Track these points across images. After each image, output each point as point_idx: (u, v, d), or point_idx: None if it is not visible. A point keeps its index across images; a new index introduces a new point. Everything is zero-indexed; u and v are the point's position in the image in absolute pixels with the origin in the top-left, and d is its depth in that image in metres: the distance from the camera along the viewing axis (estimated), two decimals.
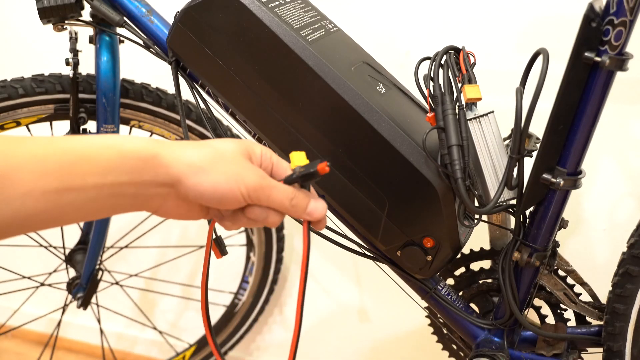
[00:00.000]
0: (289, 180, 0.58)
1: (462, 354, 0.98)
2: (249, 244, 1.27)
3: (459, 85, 0.75)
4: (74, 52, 0.99)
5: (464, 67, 0.76)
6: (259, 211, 0.57)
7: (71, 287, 1.19)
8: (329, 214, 0.87)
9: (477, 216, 0.84)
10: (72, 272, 1.20)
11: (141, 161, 0.51)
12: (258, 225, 0.59)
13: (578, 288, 0.88)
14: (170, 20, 0.84)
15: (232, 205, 0.55)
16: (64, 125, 1.01)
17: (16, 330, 1.57)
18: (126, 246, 1.36)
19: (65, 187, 0.47)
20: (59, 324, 1.39)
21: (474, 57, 0.77)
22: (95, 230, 1.12)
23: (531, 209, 0.80)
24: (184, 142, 0.55)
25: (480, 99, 0.74)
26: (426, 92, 0.75)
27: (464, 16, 1.13)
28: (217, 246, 1.03)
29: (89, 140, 0.50)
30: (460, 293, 0.93)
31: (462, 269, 0.94)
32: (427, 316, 0.99)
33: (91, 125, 1.03)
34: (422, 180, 0.75)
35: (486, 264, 0.94)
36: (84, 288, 1.18)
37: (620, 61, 0.70)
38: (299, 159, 0.59)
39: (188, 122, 1.07)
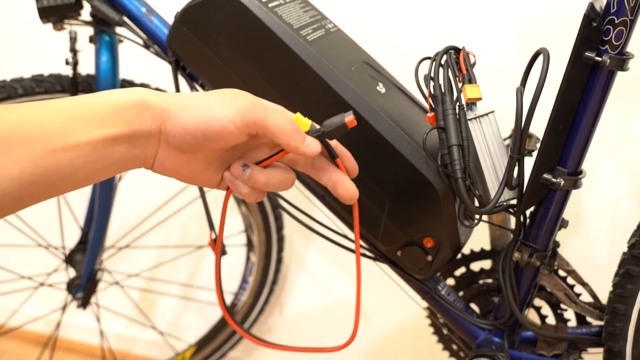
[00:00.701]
0: (315, 133, 0.56)
1: (462, 354, 0.98)
2: (249, 244, 1.27)
3: (459, 85, 0.75)
4: (74, 51, 0.99)
5: (464, 67, 0.76)
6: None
7: (71, 287, 1.19)
8: (330, 214, 0.87)
9: (477, 216, 0.84)
10: (72, 272, 1.20)
11: (129, 110, 0.51)
12: (278, 185, 0.58)
13: (578, 288, 0.88)
14: (170, 20, 0.84)
15: (223, 138, 0.53)
16: None
17: (16, 331, 1.57)
18: (126, 246, 1.36)
19: (61, 147, 0.48)
20: (58, 324, 1.39)
21: (474, 57, 0.77)
22: (95, 230, 1.12)
23: (531, 209, 0.80)
24: (173, 93, 0.55)
25: (480, 98, 0.74)
26: (426, 92, 0.75)
27: (464, 16, 1.13)
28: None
29: (78, 99, 0.51)
30: (461, 293, 0.93)
31: (463, 269, 0.94)
32: (427, 316, 0.98)
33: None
34: (422, 180, 0.75)
35: (486, 264, 0.94)
36: (83, 288, 1.18)
37: (621, 61, 0.70)
38: (301, 123, 0.56)
39: None
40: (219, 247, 0.61)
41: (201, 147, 0.53)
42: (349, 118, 0.56)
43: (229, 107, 0.52)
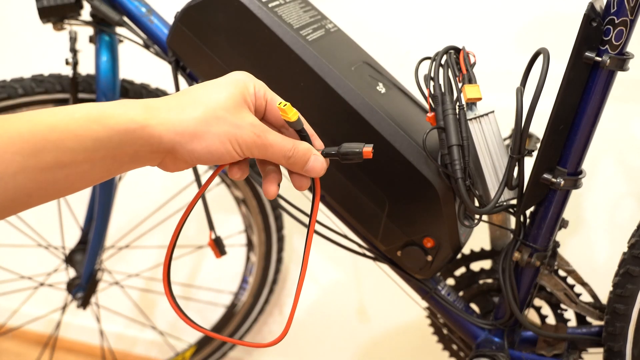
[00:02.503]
0: (329, 153, 0.57)
1: (462, 354, 0.98)
2: (249, 244, 1.27)
3: (459, 85, 0.75)
4: (74, 51, 0.99)
5: (464, 67, 0.76)
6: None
7: (71, 287, 1.19)
8: (330, 214, 0.87)
9: (477, 216, 0.84)
10: (72, 272, 1.20)
11: (130, 133, 0.50)
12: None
13: (578, 288, 0.88)
14: (170, 20, 0.84)
15: (230, 161, 0.55)
16: None
17: (16, 330, 1.57)
18: (126, 246, 1.36)
19: (57, 164, 0.47)
20: (58, 324, 1.39)
21: (474, 56, 0.77)
22: (95, 230, 1.12)
23: (531, 209, 0.80)
24: (171, 102, 0.53)
25: (480, 98, 0.74)
26: (426, 92, 0.75)
27: (464, 16, 1.13)
28: (217, 246, 1.03)
29: (72, 114, 0.49)
30: (461, 293, 0.93)
31: (463, 269, 0.94)
32: (427, 316, 0.98)
33: None
34: (422, 180, 0.75)
35: (486, 264, 0.94)
36: (83, 288, 1.18)
37: (621, 61, 0.70)
38: (291, 112, 0.56)
39: None
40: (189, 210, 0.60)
41: (209, 164, 0.55)
42: (367, 149, 0.57)
43: (234, 139, 0.53)
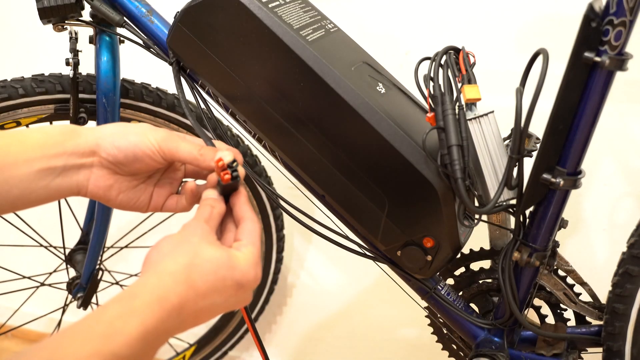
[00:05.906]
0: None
1: (462, 354, 0.98)
2: None
3: (459, 85, 0.75)
4: (74, 52, 0.99)
5: (463, 67, 0.76)
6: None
7: (71, 287, 1.19)
8: (330, 214, 0.87)
9: (477, 216, 0.84)
10: (72, 272, 1.20)
11: (63, 135, 0.60)
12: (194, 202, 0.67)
13: (578, 288, 0.88)
14: (171, 20, 0.84)
15: (149, 160, 0.61)
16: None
17: (16, 330, 1.57)
18: (126, 246, 1.36)
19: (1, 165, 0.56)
20: (59, 324, 1.39)
21: (473, 57, 0.77)
22: (95, 230, 1.12)
23: (531, 209, 0.81)
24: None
25: (479, 99, 0.74)
26: (426, 92, 0.75)
27: (464, 16, 1.13)
28: None
29: (21, 129, 0.61)
30: (460, 293, 0.93)
31: (462, 269, 0.94)
32: (427, 316, 0.99)
33: (91, 126, 1.03)
34: (422, 180, 0.76)
35: (486, 263, 0.94)
36: (84, 288, 1.18)
37: (620, 61, 0.70)
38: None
39: (174, 115, 1.07)
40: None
41: (130, 166, 0.62)
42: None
43: (151, 133, 0.62)
